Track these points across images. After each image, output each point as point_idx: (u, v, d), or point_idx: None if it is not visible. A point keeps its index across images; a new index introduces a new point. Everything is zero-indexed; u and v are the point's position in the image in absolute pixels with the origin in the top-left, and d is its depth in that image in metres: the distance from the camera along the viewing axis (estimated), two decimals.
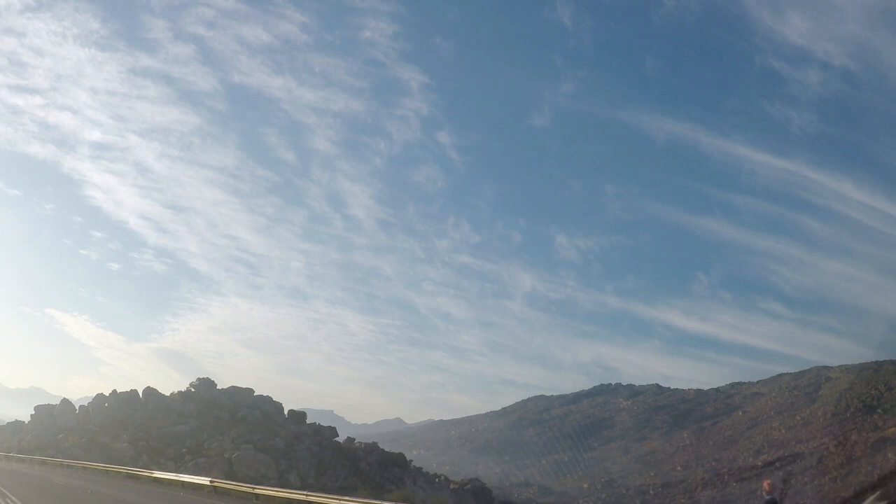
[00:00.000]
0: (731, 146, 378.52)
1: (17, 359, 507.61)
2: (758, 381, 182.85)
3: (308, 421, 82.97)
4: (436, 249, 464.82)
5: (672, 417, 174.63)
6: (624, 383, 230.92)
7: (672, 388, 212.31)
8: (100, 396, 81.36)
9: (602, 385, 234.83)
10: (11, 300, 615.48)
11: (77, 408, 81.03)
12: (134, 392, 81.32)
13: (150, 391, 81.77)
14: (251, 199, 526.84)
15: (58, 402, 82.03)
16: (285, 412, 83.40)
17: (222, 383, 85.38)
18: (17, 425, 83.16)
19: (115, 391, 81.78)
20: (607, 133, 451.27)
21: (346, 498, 23.16)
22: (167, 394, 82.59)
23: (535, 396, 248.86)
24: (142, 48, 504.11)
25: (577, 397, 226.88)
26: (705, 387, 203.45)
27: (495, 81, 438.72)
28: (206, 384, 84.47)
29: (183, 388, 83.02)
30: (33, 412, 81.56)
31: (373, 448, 77.83)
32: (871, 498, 4.30)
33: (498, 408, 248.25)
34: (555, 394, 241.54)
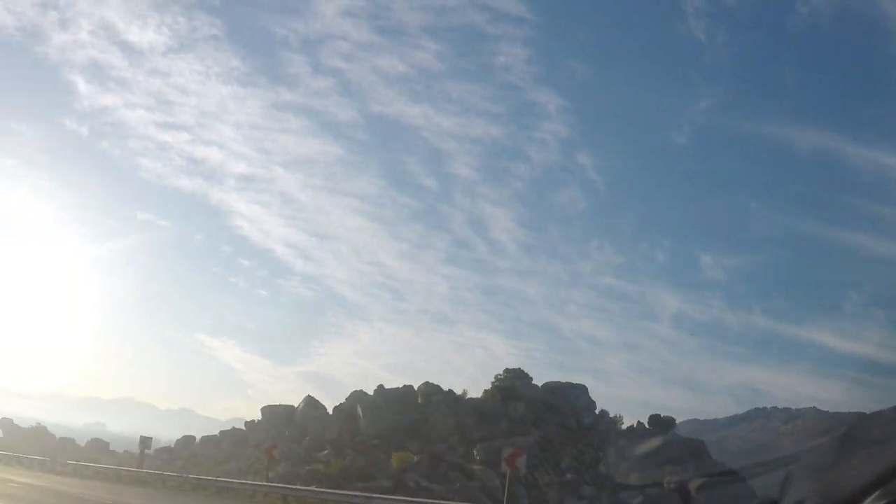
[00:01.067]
0: (878, 155, 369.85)
1: (168, 381, 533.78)
2: None
3: None
4: (579, 272, 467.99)
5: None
6: (780, 406, 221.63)
7: (831, 411, 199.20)
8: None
9: (756, 409, 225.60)
10: (163, 326, 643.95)
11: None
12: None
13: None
14: (394, 226, 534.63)
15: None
16: None
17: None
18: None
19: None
20: (748, 147, 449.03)
21: None
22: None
23: (688, 420, 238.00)
24: (282, 83, 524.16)
25: (731, 421, 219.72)
26: (866, 410, 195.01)
27: (631, 100, 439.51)
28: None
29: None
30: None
31: None
32: (872, 497, 4.27)
33: None
34: (706, 418, 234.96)
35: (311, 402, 57.60)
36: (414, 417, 52.02)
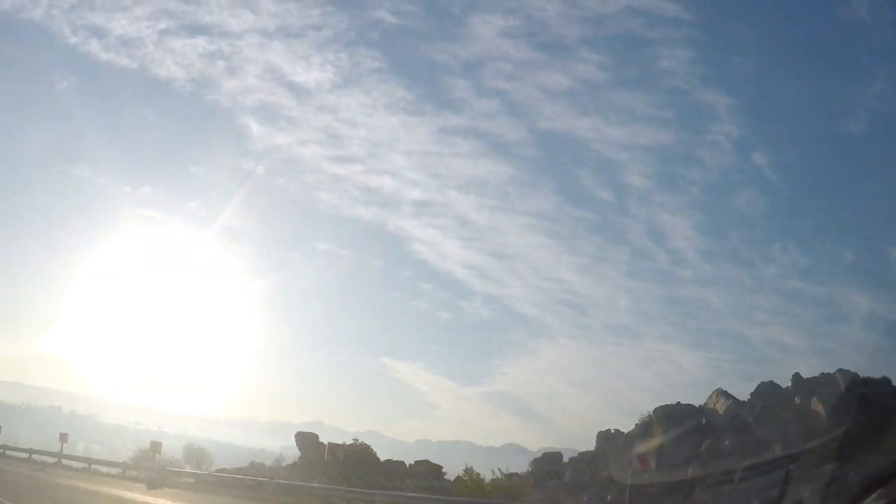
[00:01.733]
0: None
1: (354, 405, 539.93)
2: None
3: None
4: (763, 276, 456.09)
5: None
6: None
7: None
8: None
9: None
10: (349, 350, 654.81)
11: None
12: None
13: None
14: (571, 241, 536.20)
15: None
16: None
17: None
18: None
19: None
20: None
21: None
22: None
23: None
24: (448, 108, 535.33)
25: None
26: None
27: (801, 92, 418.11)
28: None
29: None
30: None
31: None
32: (872, 497, 4.27)
33: None
34: None
35: None
36: None
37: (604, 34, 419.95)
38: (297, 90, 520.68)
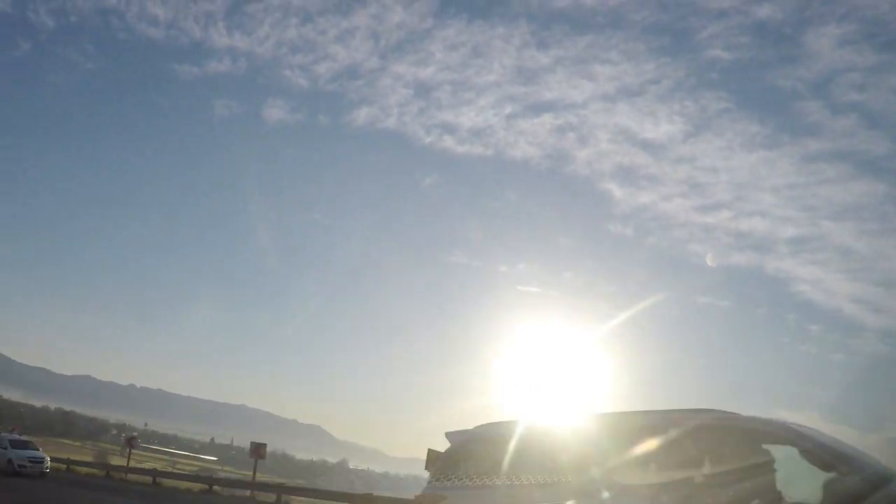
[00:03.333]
0: None
1: None
2: None
3: None
4: None
5: None
6: None
7: None
8: None
9: None
10: (741, 406, 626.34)
11: None
12: None
13: None
14: None
15: None
16: None
17: None
18: None
19: None
20: None
21: None
22: None
23: None
24: (805, 134, 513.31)
25: None
26: None
27: None
28: None
29: None
30: None
31: None
32: (872, 497, 4.40)
33: None
34: None
35: None
36: None
37: None
38: (650, 146, 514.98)
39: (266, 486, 30.55)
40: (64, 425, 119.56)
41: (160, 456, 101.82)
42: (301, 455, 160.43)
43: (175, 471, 58.48)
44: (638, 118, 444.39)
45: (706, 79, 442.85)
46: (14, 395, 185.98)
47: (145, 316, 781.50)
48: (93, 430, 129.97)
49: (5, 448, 31.03)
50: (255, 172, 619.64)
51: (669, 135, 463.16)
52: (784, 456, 5.76)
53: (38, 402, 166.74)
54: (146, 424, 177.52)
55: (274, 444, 45.90)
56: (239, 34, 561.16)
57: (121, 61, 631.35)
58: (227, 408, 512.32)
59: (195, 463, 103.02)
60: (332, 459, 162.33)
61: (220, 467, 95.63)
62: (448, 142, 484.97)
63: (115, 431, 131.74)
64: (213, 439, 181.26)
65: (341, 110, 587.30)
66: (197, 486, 33.08)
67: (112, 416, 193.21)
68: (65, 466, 39.43)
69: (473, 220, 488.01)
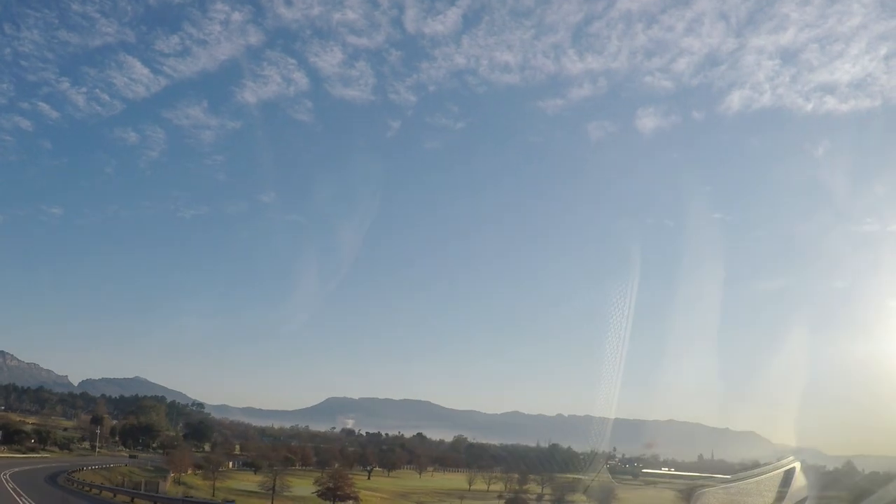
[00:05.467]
0: None
1: None
2: None
3: None
4: None
5: None
6: None
7: None
8: None
9: None
10: None
11: None
12: None
13: None
14: None
15: None
16: None
17: None
18: None
19: None
20: None
21: None
22: None
23: None
24: None
25: None
26: None
27: None
28: None
29: None
30: None
31: None
32: (872, 497, 4.21)
33: None
34: None
35: None
36: None
37: None
38: None
39: None
40: None
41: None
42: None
43: None
44: None
45: None
46: None
47: None
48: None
49: None
50: (639, 184, 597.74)
51: None
52: None
53: None
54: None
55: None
56: (591, 55, 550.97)
57: (484, 113, 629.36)
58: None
59: None
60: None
61: None
62: (830, 103, 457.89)
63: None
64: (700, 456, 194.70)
65: (712, 100, 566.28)
66: None
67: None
68: None
69: (881, 177, 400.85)
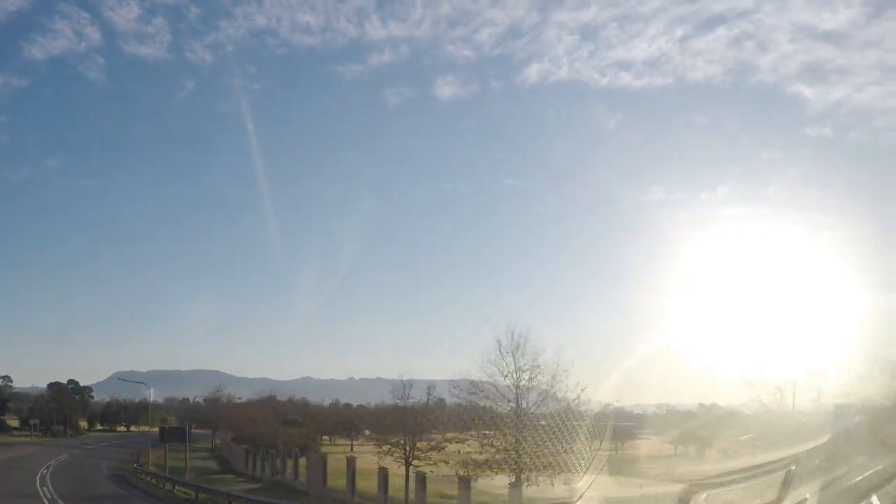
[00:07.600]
0: None
1: None
2: None
3: None
4: None
5: None
6: None
7: None
8: None
9: None
10: None
11: None
12: None
13: None
14: None
15: None
16: None
17: None
18: None
19: None
20: None
21: None
22: None
23: None
24: None
25: None
26: None
27: None
28: None
29: None
30: None
31: None
32: (871, 497, 4.28)
33: None
34: None
35: None
36: None
37: None
38: (832, 38, 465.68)
39: None
40: None
41: None
42: None
43: None
44: (814, 9, 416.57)
45: None
46: None
47: None
48: None
49: None
50: (436, 149, 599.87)
51: (850, 20, 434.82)
52: None
53: None
54: None
55: None
56: (394, 22, 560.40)
57: (285, 74, 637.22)
58: None
59: None
60: None
61: None
62: (625, 78, 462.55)
63: None
64: None
65: (511, 71, 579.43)
66: None
67: None
68: None
69: (664, 153, 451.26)
